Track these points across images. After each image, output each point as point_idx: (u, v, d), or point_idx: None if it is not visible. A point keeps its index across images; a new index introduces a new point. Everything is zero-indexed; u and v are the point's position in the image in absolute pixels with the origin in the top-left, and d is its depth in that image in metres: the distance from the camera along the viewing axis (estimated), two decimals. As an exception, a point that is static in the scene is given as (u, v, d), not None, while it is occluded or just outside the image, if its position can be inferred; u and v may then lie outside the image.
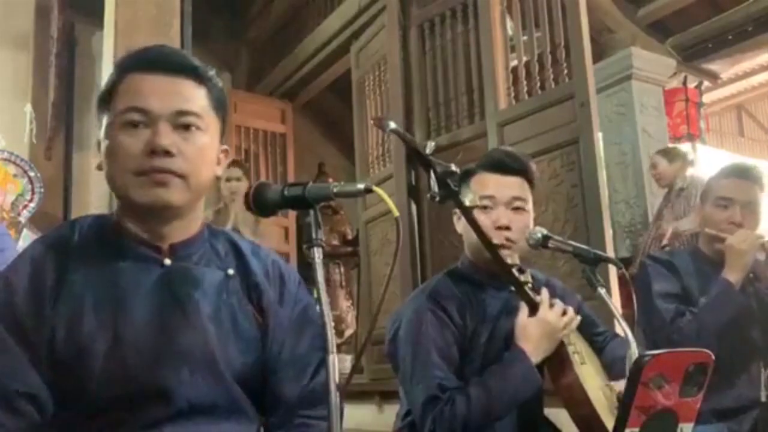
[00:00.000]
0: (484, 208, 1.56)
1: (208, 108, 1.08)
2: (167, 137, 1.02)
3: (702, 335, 1.72)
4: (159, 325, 1.02)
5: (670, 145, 4.87)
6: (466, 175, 1.59)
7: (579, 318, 1.52)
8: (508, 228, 1.54)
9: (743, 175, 1.95)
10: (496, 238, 1.51)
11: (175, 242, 1.08)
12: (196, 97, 1.07)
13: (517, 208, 1.58)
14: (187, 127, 1.04)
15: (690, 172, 4.37)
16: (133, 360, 0.99)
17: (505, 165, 1.61)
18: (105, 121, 1.06)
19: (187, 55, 1.11)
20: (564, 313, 1.48)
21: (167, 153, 1.01)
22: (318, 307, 0.96)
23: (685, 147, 5.24)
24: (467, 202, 1.43)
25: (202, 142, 1.06)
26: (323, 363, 1.11)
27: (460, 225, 1.63)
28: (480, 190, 1.58)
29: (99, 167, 1.10)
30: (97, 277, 1.03)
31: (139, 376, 0.99)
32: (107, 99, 1.06)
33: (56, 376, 0.98)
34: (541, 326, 1.45)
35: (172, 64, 1.06)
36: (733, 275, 1.82)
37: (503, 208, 1.56)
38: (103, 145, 1.05)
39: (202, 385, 1.02)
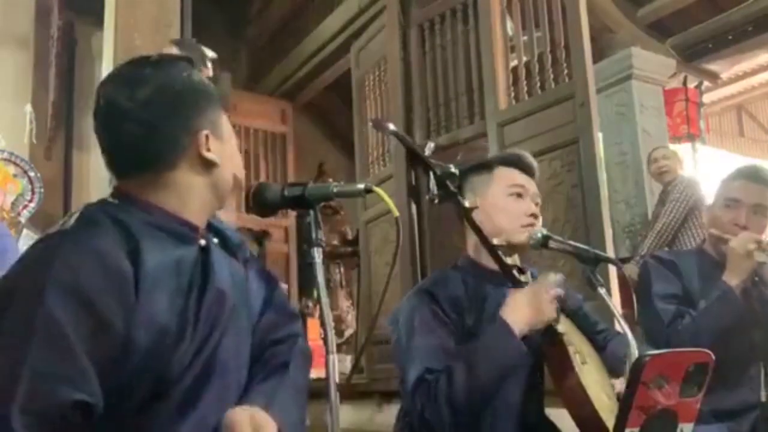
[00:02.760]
0: (519, 195, 1.62)
1: None
2: None
3: (699, 338, 1.70)
4: (216, 300, 1.05)
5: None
6: (481, 168, 1.66)
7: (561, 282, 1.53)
8: (535, 216, 1.62)
9: (753, 177, 1.92)
10: (526, 223, 1.59)
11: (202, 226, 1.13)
12: None
13: (537, 204, 1.65)
14: None
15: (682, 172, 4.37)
16: (201, 336, 1.01)
17: (527, 166, 1.68)
18: None
19: None
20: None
21: None
22: (319, 307, 0.96)
23: (685, 147, 5.23)
24: (467, 204, 1.43)
25: None
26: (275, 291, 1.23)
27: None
28: (510, 180, 1.64)
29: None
30: (164, 262, 1.01)
31: (202, 351, 1.01)
32: None
33: (130, 367, 0.93)
34: (528, 295, 1.44)
35: None
36: (733, 278, 1.79)
37: (529, 200, 1.64)
38: None
39: (241, 353, 1.10)
